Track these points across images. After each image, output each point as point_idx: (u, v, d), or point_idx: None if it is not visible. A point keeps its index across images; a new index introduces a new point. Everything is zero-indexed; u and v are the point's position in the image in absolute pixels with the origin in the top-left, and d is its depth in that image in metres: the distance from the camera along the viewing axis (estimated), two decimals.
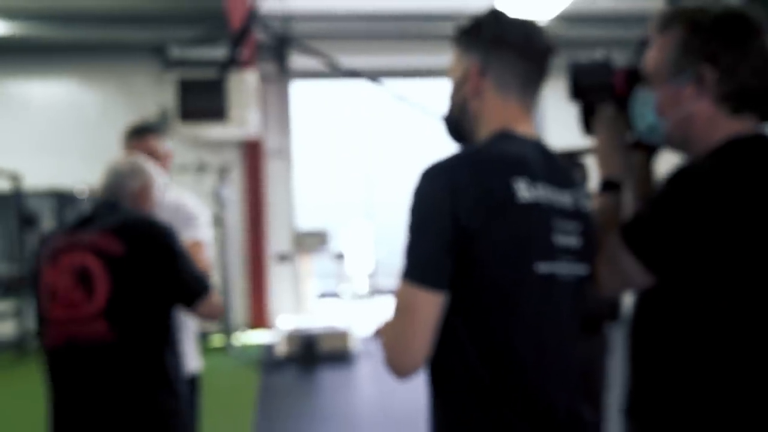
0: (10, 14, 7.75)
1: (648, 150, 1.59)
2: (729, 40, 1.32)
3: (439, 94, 8.69)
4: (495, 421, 1.19)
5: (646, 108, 1.42)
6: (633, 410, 1.49)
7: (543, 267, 1.22)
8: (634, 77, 1.48)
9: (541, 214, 1.22)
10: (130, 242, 1.94)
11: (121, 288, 1.91)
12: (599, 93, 1.53)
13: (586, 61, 1.55)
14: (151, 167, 2.24)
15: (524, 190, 1.21)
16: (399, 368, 1.23)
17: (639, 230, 1.33)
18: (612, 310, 2.79)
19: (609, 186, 1.50)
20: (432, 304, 1.18)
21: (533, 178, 1.23)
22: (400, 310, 1.21)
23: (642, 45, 1.54)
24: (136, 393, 1.92)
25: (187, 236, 2.42)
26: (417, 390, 5.52)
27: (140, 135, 2.67)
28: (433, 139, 11.74)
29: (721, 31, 1.33)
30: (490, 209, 1.17)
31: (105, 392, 1.90)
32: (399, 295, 1.22)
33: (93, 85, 8.86)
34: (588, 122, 1.57)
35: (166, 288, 1.97)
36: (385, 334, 1.25)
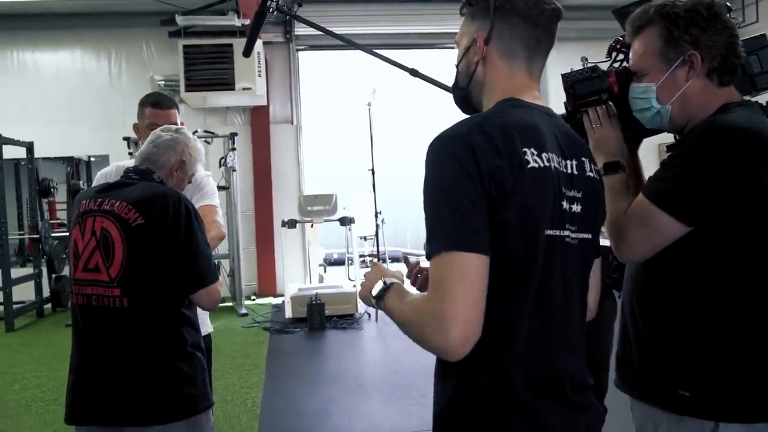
0: None
1: (632, 142, 1.78)
2: (704, 24, 1.52)
3: (447, 63, 8.63)
4: (501, 388, 1.18)
5: (647, 99, 1.58)
6: (624, 358, 1.65)
7: (553, 233, 1.21)
8: (625, 77, 1.64)
9: (550, 181, 1.21)
10: (150, 215, 1.95)
11: (135, 258, 1.94)
12: (596, 97, 1.68)
13: (577, 73, 1.69)
14: (198, 143, 2.26)
15: (534, 157, 1.19)
16: (459, 346, 1.11)
17: (666, 188, 1.47)
18: (620, 274, 2.85)
19: (612, 166, 1.65)
20: (483, 267, 1.12)
21: (541, 145, 1.22)
22: (450, 281, 1.10)
23: (615, 49, 1.76)
24: (150, 358, 1.95)
25: (197, 203, 2.44)
26: (422, 352, 5.61)
27: (166, 107, 2.72)
28: (442, 109, 11.67)
29: (695, 17, 1.52)
30: (506, 176, 1.14)
31: (120, 354, 1.95)
32: (444, 266, 1.11)
33: (101, 53, 8.91)
34: (580, 127, 1.69)
35: (177, 266, 1.97)
36: (428, 314, 1.13)
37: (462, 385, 1.21)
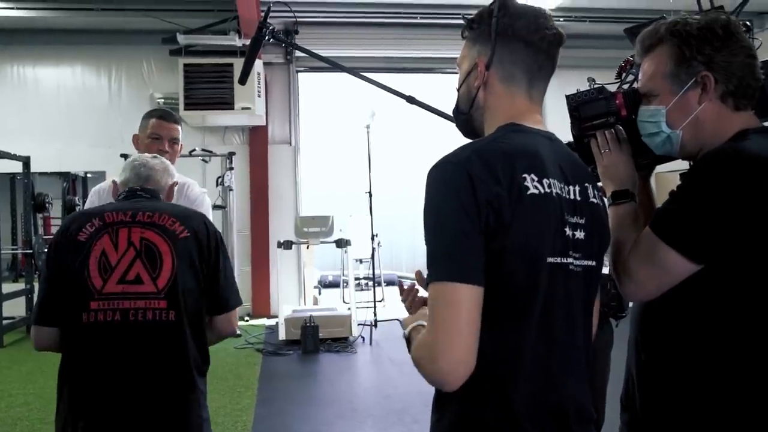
0: None
1: (645, 170, 1.66)
2: (718, 43, 1.40)
3: (445, 88, 8.67)
4: (504, 419, 1.15)
5: (656, 123, 1.47)
6: (628, 401, 1.54)
7: (553, 261, 1.19)
8: (633, 98, 1.53)
9: (552, 207, 1.19)
10: (192, 229, 1.97)
11: (181, 270, 1.92)
12: (603, 120, 1.56)
13: (582, 94, 1.59)
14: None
15: (534, 183, 1.17)
16: (448, 374, 1.11)
17: (674, 222, 1.35)
18: (618, 303, 2.82)
19: (621, 195, 1.53)
20: (475, 298, 1.11)
21: (542, 171, 1.20)
22: (441, 310, 1.11)
23: (624, 69, 1.65)
24: (184, 372, 1.93)
25: None
26: (416, 377, 5.56)
27: (172, 120, 2.75)
28: (440, 134, 11.75)
29: (708, 36, 1.41)
30: (505, 204, 1.13)
31: (156, 369, 1.89)
32: (437, 296, 1.13)
33: (101, 70, 8.92)
34: (586, 152, 1.59)
35: (209, 286, 1.97)
36: (423, 345, 1.16)
37: (461, 416, 1.18)
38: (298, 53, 9.09)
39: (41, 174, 8.72)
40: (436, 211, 1.16)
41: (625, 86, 1.64)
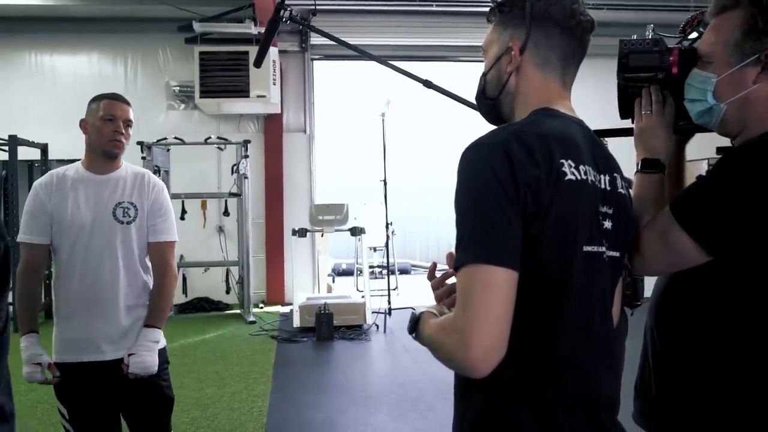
0: None
1: (683, 135, 1.56)
2: None
3: (461, 75, 8.63)
4: (534, 409, 1.13)
5: (702, 90, 1.37)
6: (643, 388, 1.52)
7: (589, 249, 1.17)
8: (689, 58, 1.41)
9: (588, 195, 1.17)
10: None
11: None
12: (651, 74, 1.45)
13: (638, 41, 1.46)
14: None
15: (571, 170, 1.14)
16: (481, 361, 1.06)
17: (694, 208, 1.30)
18: (633, 292, 2.80)
19: (651, 165, 1.46)
20: (511, 283, 1.07)
21: (579, 157, 1.17)
22: (475, 294, 1.06)
23: (691, 25, 1.51)
24: None
25: (158, 235, 2.53)
26: (430, 366, 5.62)
27: (124, 101, 2.56)
28: (456, 123, 11.73)
29: None
30: (544, 187, 1.10)
31: None
32: (470, 279, 1.07)
33: (117, 58, 8.97)
34: (627, 105, 1.50)
35: None
36: (451, 330, 1.09)
37: (490, 405, 1.16)
38: (313, 41, 9.09)
39: (59, 161, 8.78)
40: (472, 192, 1.11)
41: (686, 44, 1.50)
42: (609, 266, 1.24)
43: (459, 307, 1.08)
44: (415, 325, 1.28)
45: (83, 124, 2.56)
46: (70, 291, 2.41)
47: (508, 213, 1.08)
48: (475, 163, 1.13)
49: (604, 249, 1.21)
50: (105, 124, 2.47)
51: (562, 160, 1.14)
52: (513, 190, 1.08)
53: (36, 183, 2.52)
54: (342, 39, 2.60)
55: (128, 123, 2.51)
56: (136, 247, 2.47)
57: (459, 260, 1.10)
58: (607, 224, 1.22)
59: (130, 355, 2.37)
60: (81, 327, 2.40)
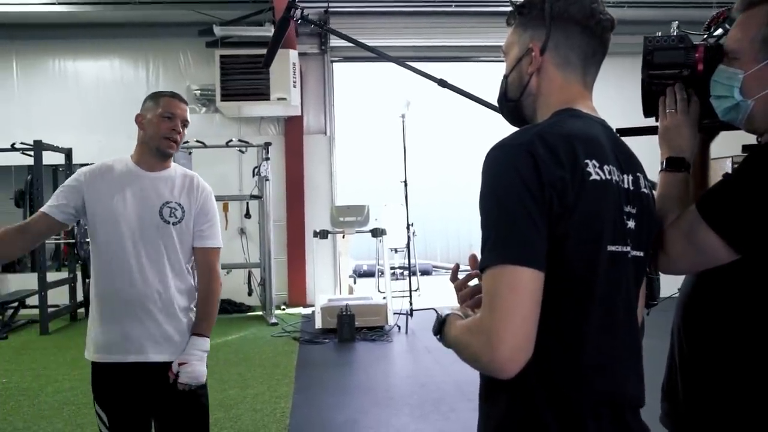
0: None
1: (707, 133, 1.54)
2: None
3: (479, 76, 8.60)
4: (560, 410, 1.13)
5: (729, 87, 1.36)
6: (670, 390, 1.50)
7: (613, 249, 1.16)
8: (714, 55, 1.40)
9: (612, 195, 1.17)
10: None
11: None
12: (677, 71, 1.43)
13: (663, 38, 1.44)
14: None
15: (596, 170, 1.14)
16: (509, 362, 1.06)
17: (721, 205, 1.29)
18: (650, 291, 2.78)
19: (676, 163, 1.44)
20: (538, 283, 1.07)
21: (603, 157, 1.17)
22: (502, 295, 1.06)
23: (716, 22, 1.49)
24: None
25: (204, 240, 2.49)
26: (452, 367, 5.61)
27: (184, 101, 2.52)
28: (476, 124, 11.70)
29: None
30: (569, 187, 1.10)
31: None
32: (497, 280, 1.07)
33: (139, 63, 9.06)
34: (651, 103, 1.49)
35: None
36: (478, 331, 1.09)
37: (515, 406, 1.15)
38: (332, 43, 9.11)
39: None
40: (497, 193, 1.11)
41: (712, 41, 1.48)
42: (633, 266, 1.23)
43: (485, 308, 1.09)
44: (441, 326, 1.28)
45: (139, 119, 2.50)
46: (113, 290, 2.34)
47: (534, 214, 1.08)
48: (500, 164, 1.13)
49: (628, 249, 1.20)
50: (163, 121, 2.41)
51: (587, 161, 1.14)
52: (538, 190, 1.08)
53: (82, 168, 2.49)
54: (355, 39, 2.58)
55: (185, 123, 2.46)
56: (180, 248, 2.40)
57: (485, 261, 1.10)
58: (631, 224, 1.22)
59: (181, 364, 2.32)
60: (123, 327, 2.33)
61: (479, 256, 1.14)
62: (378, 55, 2.58)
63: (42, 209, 2.41)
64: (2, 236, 2.34)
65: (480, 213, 1.14)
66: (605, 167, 1.17)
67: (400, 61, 2.51)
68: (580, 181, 1.12)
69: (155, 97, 2.49)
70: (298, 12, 2.40)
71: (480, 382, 1.24)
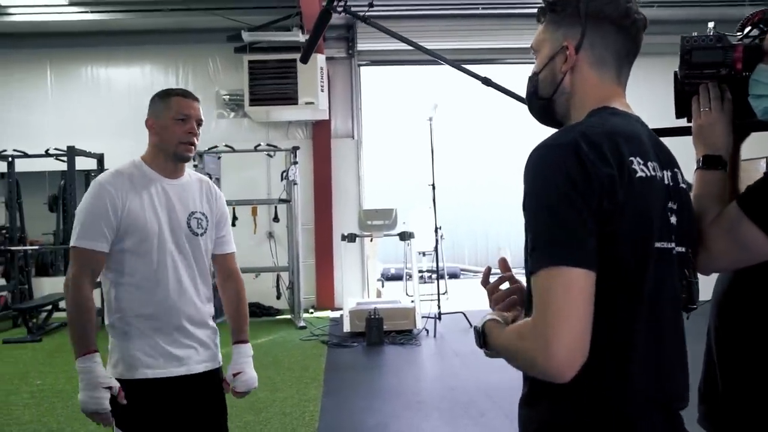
0: (95, 3, 8.21)
1: (739, 133, 1.52)
2: None
3: (508, 78, 8.57)
4: (610, 411, 1.12)
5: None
6: (707, 391, 1.48)
7: (660, 246, 1.16)
8: (754, 54, 1.39)
9: (656, 191, 1.17)
10: None
11: None
12: (714, 70, 1.42)
13: (700, 38, 1.43)
14: None
15: (640, 167, 1.14)
16: (565, 364, 1.04)
17: (764, 200, 1.28)
18: (689, 295, 2.73)
19: (712, 161, 1.43)
20: (591, 283, 1.06)
21: (645, 154, 1.17)
22: (556, 296, 1.04)
23: (752, 22, 1.48)
24: None
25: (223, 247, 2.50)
26: (481, 370, 5.58)
27: (194, 98, 2.36)
28: (505, 126, 11.64)
29: None
30: (617, 185, 1.10)
31: None
32: (549, 281, 1.06)
33: (169, 69, 9.20)
34: (684, 103, 1.48)
35: None
36: (532, 335, 1.07)
37: (562, 408, 1.14)
38: (360, 47, 9.13)
39: None
40: (544, 195, 1.10)
41: (747, 41, 1.47)
42: (677, 262, 1.22)
43: (538, 311, 1.07)
44: (483, 337, 1.26)
45: (150, 123, 2.29)
46: (154, 302, 2.20)
47: (583, 213, 1.07)
48: (546, 165, 1.12)
49: (672, 245, 1.20)
50: (177, 125, 2.23)
51: (631, 158, 1.14)
52: (587, 189, 1.08)
53: (102, 181, 2.22)
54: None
55: (200, 122, 2.30)
56: (206, 257, 2.34)
57: (536, 263, 1.08)
58: (674, 220, 1.21)
59: (235, 374, 2.35)
60: (166, 341, 2.21)
61: (525, 259, 1.13)
62: (415, 47, 2.51)
63: (83, 246, 2.16)
64: (92, 310, 2.17)
65: (525, 215, 1.13)
66: (649, 164, 1.17)
67: (440, 56, 2.44)
68: (627, 178, 1.11)
69: (164, 96, 2.30)
70: (342, 3, 2.31)
71: (524, 387, 1.22)
